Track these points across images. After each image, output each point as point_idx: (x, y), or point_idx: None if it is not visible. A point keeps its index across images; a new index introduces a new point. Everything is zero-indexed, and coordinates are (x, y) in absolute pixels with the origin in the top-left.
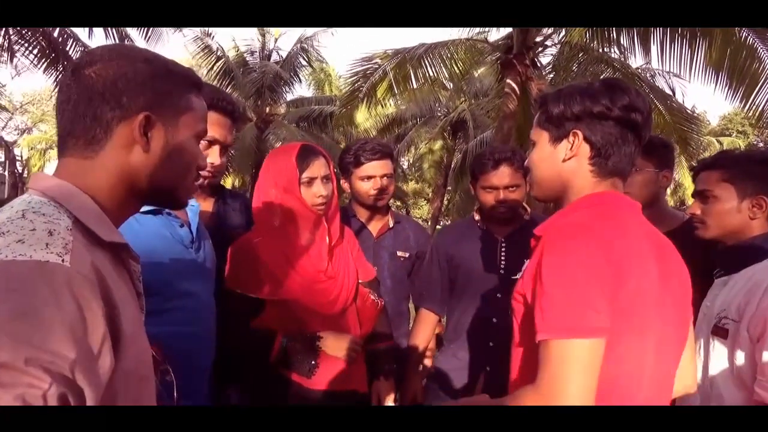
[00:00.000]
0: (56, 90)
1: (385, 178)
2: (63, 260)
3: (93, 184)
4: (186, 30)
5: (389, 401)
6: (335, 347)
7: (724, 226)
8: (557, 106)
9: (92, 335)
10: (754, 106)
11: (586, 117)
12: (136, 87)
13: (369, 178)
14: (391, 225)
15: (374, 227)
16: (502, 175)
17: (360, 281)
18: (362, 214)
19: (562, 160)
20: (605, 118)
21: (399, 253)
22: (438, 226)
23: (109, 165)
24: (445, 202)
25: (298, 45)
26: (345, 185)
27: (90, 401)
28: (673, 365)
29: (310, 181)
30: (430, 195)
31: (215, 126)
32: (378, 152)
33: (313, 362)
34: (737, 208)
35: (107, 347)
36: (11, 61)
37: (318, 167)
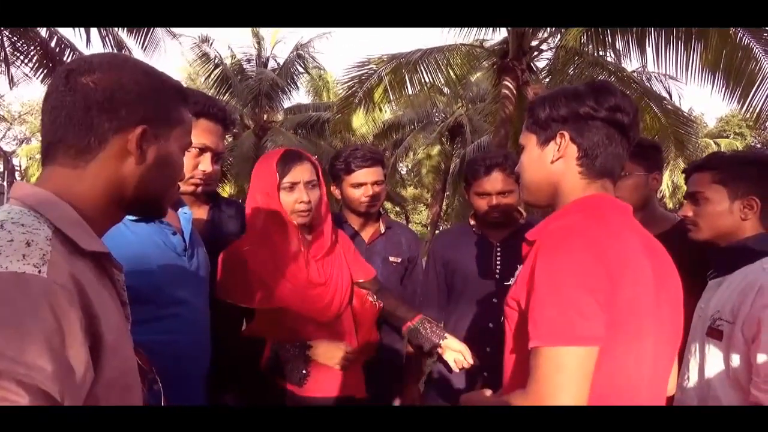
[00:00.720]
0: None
1: (376, 185)
2: (40, 271)
3: (78, 194)
4: (183, 38)
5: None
6: (327, 356)
7: (716, 228)
8: (543, 109)
9: (70, 346)
10: (751, 107)
11: (572, 118)
12: (135, 99)
13: (360, 185)
14: (382, 230)
15: (366, 233)
16: (495, 180)
17: (361, 281)
18: (354, 220)
19: (550, 161)
20: (591, 118)
21: (391, 258)
22: (437, 232)
23: (99, 175)
24: (444, 207)
25: (294, 52)
26: (336, 192)
27: None
28: (668, 369)
29: (292, 186)
30: (429, 200)
31: (207, 134)
32: (369, 159)
33: (304, 371)
34: (729, 210)
35: (86, 358)
36: (8, 71)
37: (300, 172)
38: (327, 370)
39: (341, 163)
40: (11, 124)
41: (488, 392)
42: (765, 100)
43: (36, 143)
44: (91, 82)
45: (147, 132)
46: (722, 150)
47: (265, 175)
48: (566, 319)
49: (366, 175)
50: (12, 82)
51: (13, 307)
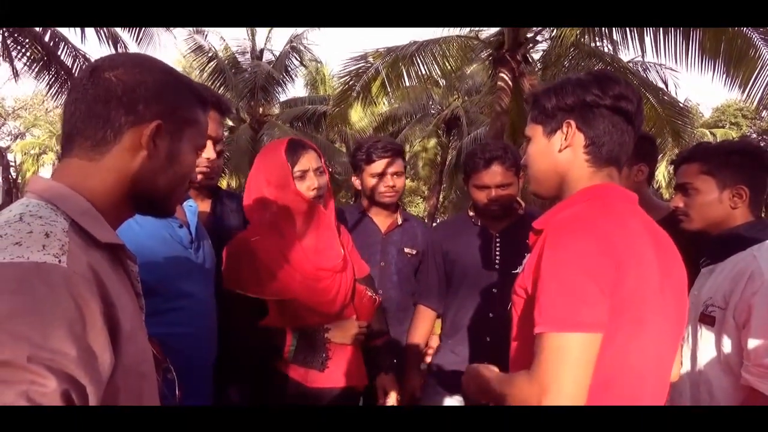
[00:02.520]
0: (63, 90)
1: (396, 175)
2: (60, 261)
3: (92, 187)
4: (176, 30)
5: (393, 396)
6: (342, 336)
7: (707, 218)
8: (549, 99)
9: (91, 332)
10: (751, 95)
11: (578, 107)
12: (153, 96)
13: (380, 175)
14: (399, 222)
15: (383, 223)
16: (494, 174)
17: (355, 278)
18: (372, 210)
19: (558, 150)
20: (597, 106)
21: (406, 250)
22: (435, 224)
23: (112, 168)
24: (441, 200)
25: (289, 45)
26: (356, 182)
27: (92, 397)
28: (672, 355)
29: (303, 174)
30: (425, 193)
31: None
32: (389, 150)
33: (324, 355)
34: (718, 199)
35: (106, 344)
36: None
37: (309, 160)
38: (342, 356)
39: (362, 153)
40: (5, 119)
41: (494, 368)
42: (765, 88)
43: (30, 138)
44: (114, 77)
45: (161, 127)
46: (719, 140)
47: (276, 166)
48: (570, 306)
49: (386, 165)
50: (16, 75)
51: (35, 296)
